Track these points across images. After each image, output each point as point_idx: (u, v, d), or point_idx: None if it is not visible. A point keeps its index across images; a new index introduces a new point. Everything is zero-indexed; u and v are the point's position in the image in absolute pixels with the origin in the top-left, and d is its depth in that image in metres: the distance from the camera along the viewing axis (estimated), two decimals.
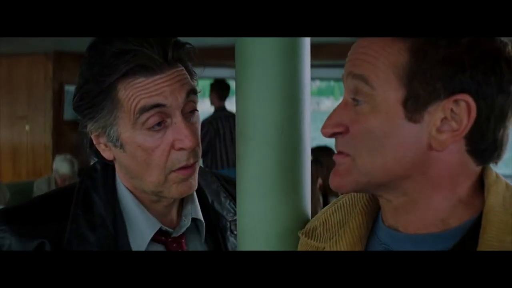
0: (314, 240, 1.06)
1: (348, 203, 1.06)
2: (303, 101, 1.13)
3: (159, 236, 1.27)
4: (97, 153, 1.27)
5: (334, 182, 0.96)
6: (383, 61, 0.89)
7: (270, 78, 1.10)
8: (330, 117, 0.95)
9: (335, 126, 0.94)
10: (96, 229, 1.22)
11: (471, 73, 0.86)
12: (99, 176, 1.29)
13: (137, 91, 1.17)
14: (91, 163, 1.34)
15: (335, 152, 0.96)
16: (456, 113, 0.86)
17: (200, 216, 1.31)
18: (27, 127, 7.60)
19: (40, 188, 5.56)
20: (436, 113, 0.87)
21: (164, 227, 1.27)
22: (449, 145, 0.88)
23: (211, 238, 1.33)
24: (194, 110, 1.23)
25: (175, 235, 1.28)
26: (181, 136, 1.19)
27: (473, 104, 0.86)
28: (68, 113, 7.16)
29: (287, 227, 1.12)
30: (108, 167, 1.29)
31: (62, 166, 5.52)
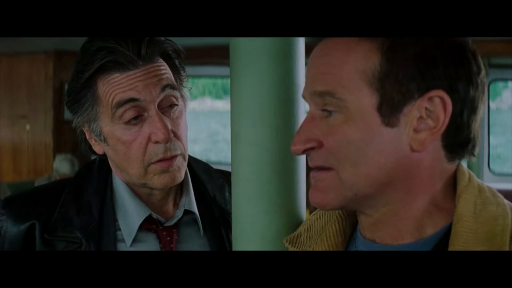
0: (296, 247, 1.04)
1: None
2: (298, 102, 1.12)
3: (151, 224, 1.31)
4: (90, 148, 1.33)
5: (316, 198, 0.92)
6: (349, 68, 0.87)
7: (264, 80, 1.09)
8: (298, 133, 0.92)
9: (306, 141, 0.91)
10: (82, 215, 1.29)
11: (443, 67, 0.85)
12: (95, 168, 1.36)
13: (112, 86, 1.23)
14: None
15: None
16: (431, 110, 0.85)
17: (194, 209, 1.35)
18: (27, 127, 7.60)
19: None
20: (411, 114, 0.86)
21: (155, 215, 1.31)
22: (429, 144, 0.86)
23: (212, 232, 1.36)
24: (174, 104, 1.26)
25: (167, 224, 1.32)
26: (155, 129, 1.23)
27: (448, 99, 0.85)
28: (69, 113, 7.15)
29: (282, 229, 1.11)
30: (105, 161, 1.35)
31: (62, 165, 5.53)
